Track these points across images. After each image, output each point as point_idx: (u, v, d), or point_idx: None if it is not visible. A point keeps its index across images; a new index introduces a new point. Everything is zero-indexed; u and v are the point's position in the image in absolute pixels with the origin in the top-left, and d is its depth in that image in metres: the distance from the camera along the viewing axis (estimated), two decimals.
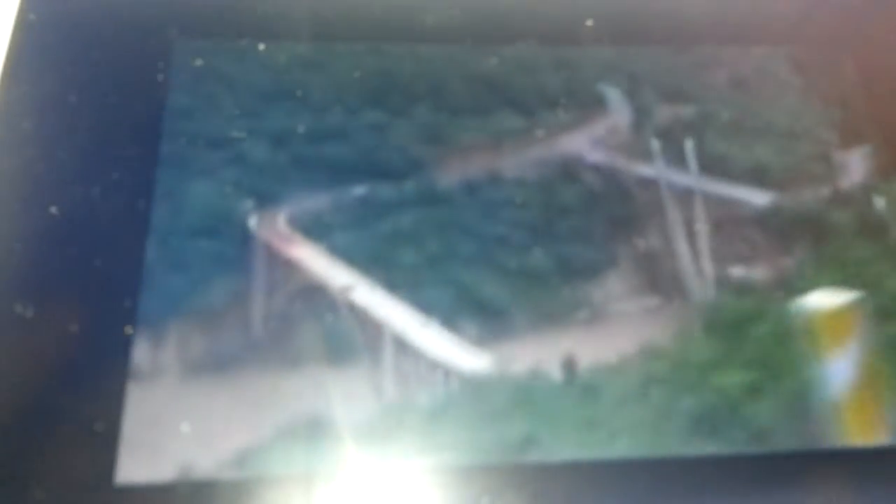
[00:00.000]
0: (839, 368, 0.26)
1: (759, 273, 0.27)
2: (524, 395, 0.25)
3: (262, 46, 0.30)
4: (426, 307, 0.26)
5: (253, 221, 0.26)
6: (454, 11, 0.31)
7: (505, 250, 0.27)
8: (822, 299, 0.27)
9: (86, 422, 0.23)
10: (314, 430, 0.23)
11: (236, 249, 0.26)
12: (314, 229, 0.27)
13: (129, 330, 0.24)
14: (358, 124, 0.29)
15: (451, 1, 0.32)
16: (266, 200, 0.27)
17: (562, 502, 0.24)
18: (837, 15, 0.34)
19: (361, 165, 0.28)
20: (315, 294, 0.25)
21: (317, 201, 0.27)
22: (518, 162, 0.29)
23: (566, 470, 0.24)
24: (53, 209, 0.26)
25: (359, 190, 0.27)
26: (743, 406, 0.25)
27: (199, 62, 0.29)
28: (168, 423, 0.23)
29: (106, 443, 0.23)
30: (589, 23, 0.32)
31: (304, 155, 0.28)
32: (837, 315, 0.27)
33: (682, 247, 0.28)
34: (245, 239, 0.26)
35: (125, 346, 0.24)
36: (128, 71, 0.29)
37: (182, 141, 0.27)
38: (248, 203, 0.27)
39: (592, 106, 0.30)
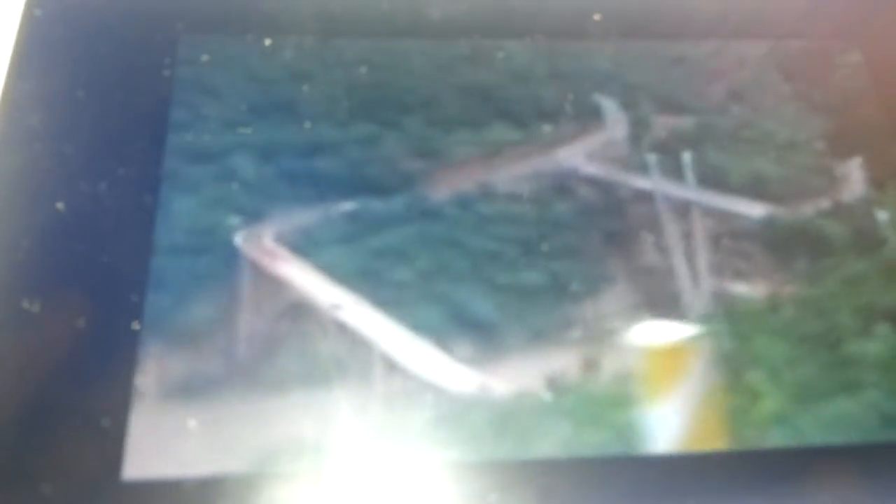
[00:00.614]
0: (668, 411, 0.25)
1: (756, 289, 0.27)
2: (512, 417, 0.24)
3: (268, 41, 0.30)
4: (416, 325, 0.25)
5: (239, 238, 0.26)
6: (460, 6, 0.31)
7: (497, 267, 0.26)
8: (659, 335, 0.26)
9: (93, 417, 0.23)
10: (299, 451, 0.23)
11: (222, 266, 0.25)
12: (302, 245, 0.26)
13: (136, 325, 0.24)
14: (348, 138, 0.28)
15: None
16: (253, 216, 0.26)
17: (570, 498, 0.23)
18: (844, 7, 0.34)
19: (351, 180, 0.27)
20: (303, 312, 0.25)
21: (305, 216, 0.27)
22: (511, 175, 0.28)
23: (575, 466, 0.24)
24: (60, 205, 0.26)
25: (348, 205, 0.27)
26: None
27: (205, 58, 0.29)
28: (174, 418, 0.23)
29: (113, 438, 0.23)
30: (596, 17, 0.32)
31: (292, 169, 0.27)
32: (668, 355, 0.26)
33: (679, 262, 0.27)
34: (231, 255, 0.26)
35: (132, 341, 0.24)
36: (134, 66, 0.29)
37: (186, 189, 0.27)
38: (235, 219, 0.26)
39: (588, 117, 0.30)
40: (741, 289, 0.27)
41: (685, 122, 0.30)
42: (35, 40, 0.29)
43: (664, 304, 0.26)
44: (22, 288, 0.24)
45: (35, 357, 0.24)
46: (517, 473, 0.23)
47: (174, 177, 0.27)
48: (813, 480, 0.24)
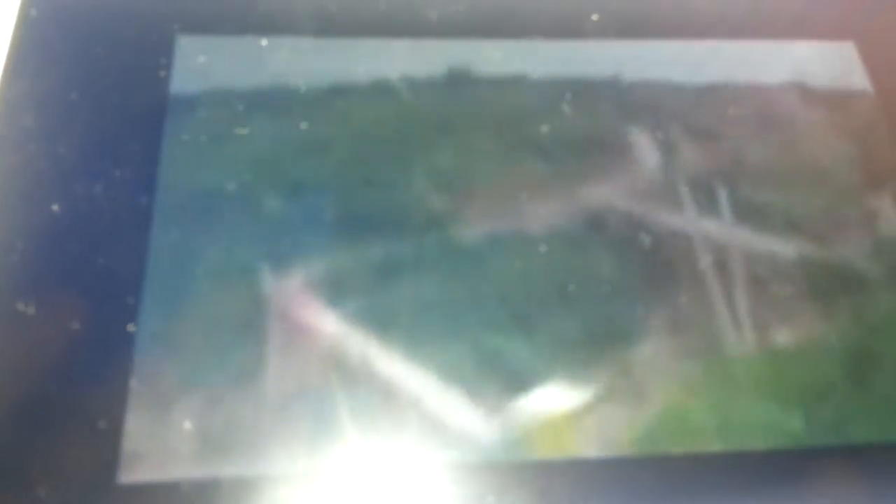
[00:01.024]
0: None
1: (796, 333, 0.26)
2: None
3: (264, 42, 0.30)
4: (448, 372, 0.24)
5: (267, 285, 0.25)
6: (457, 6, 0.31)
7: (531, 310, 0.26)
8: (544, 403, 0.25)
9: (89, 420, 0.23)
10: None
11: (249, 315, 0.25)
12: (331, 291, 0.25)
13: (131, 327, 0.24)
14: (375, 175, 0.28)
15: None
16: (280, 261, 0.26)
17: (566, 500, 0.23)
18: (840, 6, 0.34)
19: (380, 220, 0.27)
20: (332, 362, 0.24)
21: (334, 260, 0.26)
22: (544, 212, 0.27)
23: (571, 467, 0.24)
24: (55, 206, 0.26)
25: (378, 247, 0.26)
26: None
27: (202, 59, 0.29)
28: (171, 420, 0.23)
29: (109, 441, 0.22)
30: (594, 17, 0.32)
31: (318, 209, 0.27)
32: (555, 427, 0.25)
33: (718, 305, 0.26)
34: (260, 304, 0.25)
35: (128, 343, 0.24)
36: (130, 67, 0.28)
37: (181, 191, 0.26)
38: (262, 265, 0.25)
39: (620, 151, 0.29)
40: (778, 331, 0.26)
41: (717, 154, 0.29)
42: (30, 41, 0.28)
43: (702, 347, 0.26)
44: (17, 290, 0.24)
45: (30, 359, 0.23)
46: (514, 475, 0.23)
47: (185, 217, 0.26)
48: (808, 481, 0.24)
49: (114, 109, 0.27)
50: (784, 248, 0.28)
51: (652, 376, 0.25)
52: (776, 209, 0.29)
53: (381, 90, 0.29)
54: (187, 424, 0.23)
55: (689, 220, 0.28)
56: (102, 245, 0.25)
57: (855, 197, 0.29)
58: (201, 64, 0.29)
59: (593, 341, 0.25)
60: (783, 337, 0.26)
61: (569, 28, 0.31)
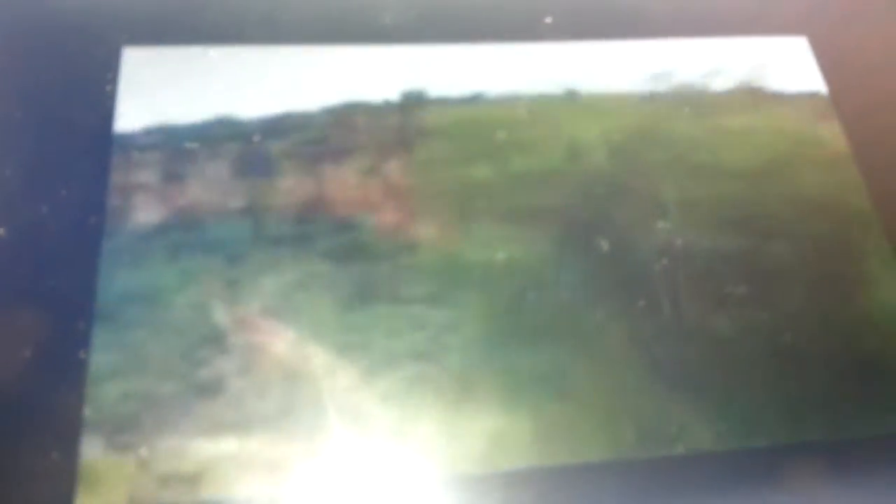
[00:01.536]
0: None
1: (739, 329, 0.27)
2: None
3: (213, 53, 0.29)
4: (410, 398, 0.24)
5: (222, 307, 0.25)
6: (410, 12, 0.31)
7: (491, 325, 0.26)
8: None
9: (43, 449, 0.22)
10: None
11: (204, 338, 0.24)
12: (290, 315, 0.25)
13: (82, 354, 0.23)
14: (330, 191, 0.27)
15: (408, 1, 0.31)
16: (236, 287, 0.25)
17: None
18: (793, 3, 0.34)
19: (335, 240, 0.26)
20: (295, 385, 0.24)
21: (291, 282, 0.25)
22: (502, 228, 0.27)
23: (533, 475, 0.24)
24: (1, 230, 0.25)
25: (333, 267, 0.26)
26: None
27: (149, 71, 0.28)
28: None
29: (64, 471, 0.22)
30: (548, 20, 0.31)
31: (271, 226, 0.26)
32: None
33: (665, 305, 0.27)
34: (214, 327, 0.24)
35: (80, 370, 0.23)
36: (74, 82, 0.28)
37: (131, 210, 0.26)
38: (217, 286, 0.25)
39: (571, 161, 0.29)
40: (728, 332, 0.27)
41: (661, 154, 0.29)
42: None
43: (648, 358, 0.26)
44: None
45: None
46: (476, 486, 0.23)
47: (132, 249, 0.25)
48: (772, 479, 0.25)
49: (59, 127, 0.27)
50: (732, 262, 0.28)
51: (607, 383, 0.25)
52: (724, 219, 0.29)
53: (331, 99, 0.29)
54: (143, 451, 0.23)
55: (640, 229, 0.28)
56: (51, 268, 0.25)
57: (805, 201, 0.30)
58: (148, 75, 0.28)
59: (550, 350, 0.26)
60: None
61: (521, 31, 0.31)
